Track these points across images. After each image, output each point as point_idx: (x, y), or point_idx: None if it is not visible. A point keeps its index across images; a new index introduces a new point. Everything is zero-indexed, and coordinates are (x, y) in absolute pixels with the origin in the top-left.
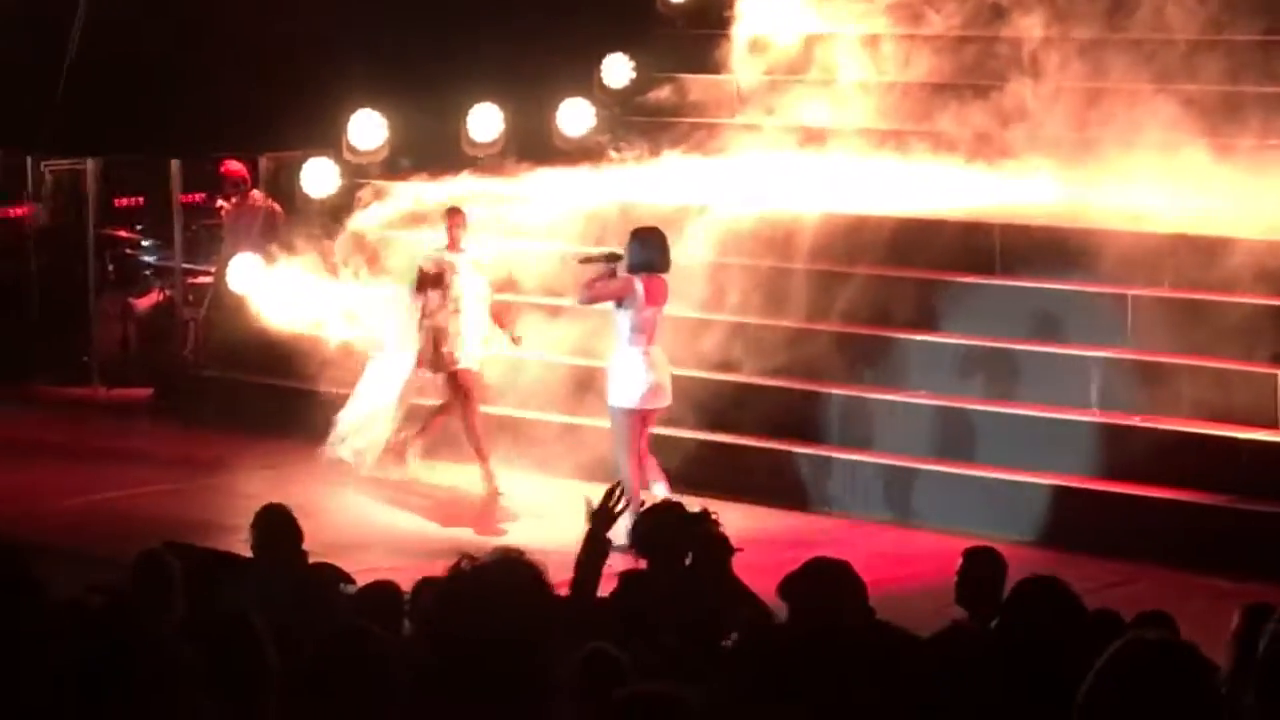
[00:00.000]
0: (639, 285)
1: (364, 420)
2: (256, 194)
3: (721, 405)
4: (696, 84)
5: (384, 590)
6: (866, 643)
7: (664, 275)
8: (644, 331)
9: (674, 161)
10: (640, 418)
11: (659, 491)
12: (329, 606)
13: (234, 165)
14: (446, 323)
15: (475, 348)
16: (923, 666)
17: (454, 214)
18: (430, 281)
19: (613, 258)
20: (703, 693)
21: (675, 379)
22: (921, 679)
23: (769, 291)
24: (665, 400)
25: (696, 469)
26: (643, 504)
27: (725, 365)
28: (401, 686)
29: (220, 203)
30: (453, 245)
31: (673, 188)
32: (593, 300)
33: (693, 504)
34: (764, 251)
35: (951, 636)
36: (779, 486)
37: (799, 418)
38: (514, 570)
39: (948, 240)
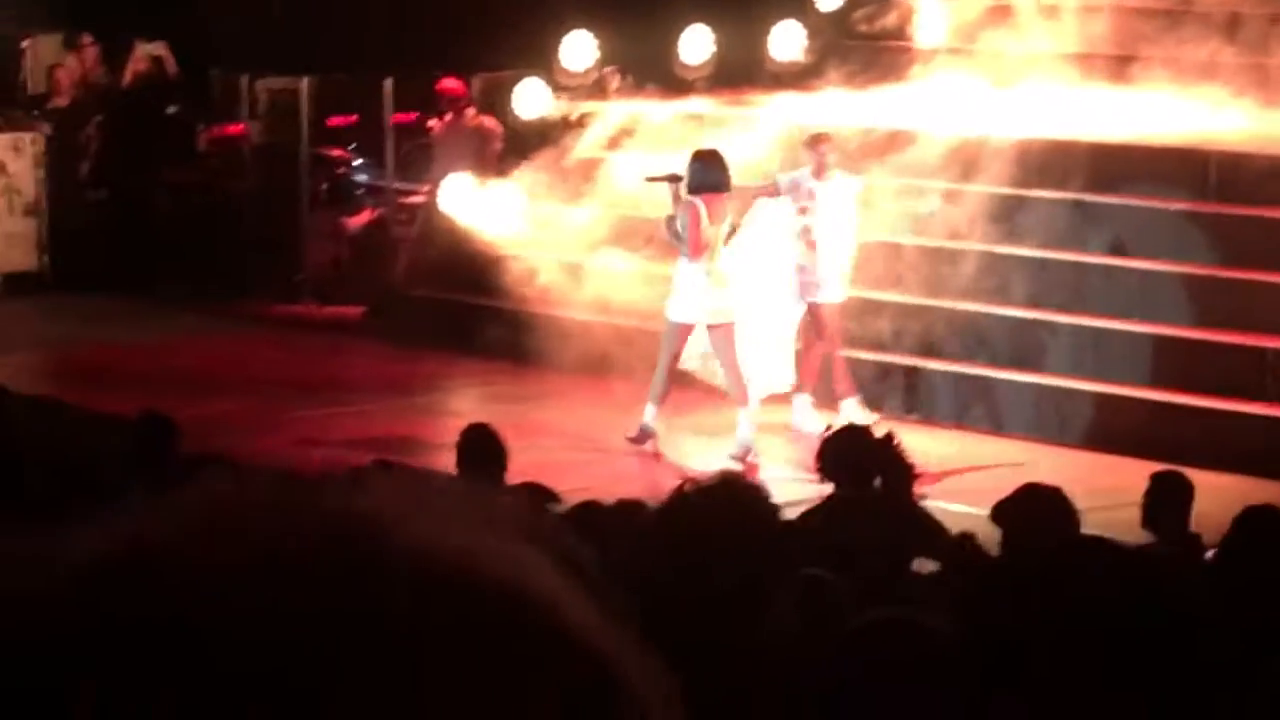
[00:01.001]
0: (701, 205)
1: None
2: (470, 113)
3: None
4: (908, 8)
5: (588, 509)
6: (1090, 566)
7: (725, 194)
8: (706, 248)
9: (895, 88)
10: (687, 330)
11: (650, 415)
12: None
13: (450, 82)
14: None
15: (835, 284)
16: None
17: (822, 139)
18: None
19: (675, 178)
20: (947, 621)
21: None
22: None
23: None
24: (725, 317)
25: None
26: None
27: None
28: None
29: (432, 121)
30: (820, 172)
31: (906, 113)
32: (698, 249)
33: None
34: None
35: (1165, 564)
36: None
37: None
38: (735, 492)
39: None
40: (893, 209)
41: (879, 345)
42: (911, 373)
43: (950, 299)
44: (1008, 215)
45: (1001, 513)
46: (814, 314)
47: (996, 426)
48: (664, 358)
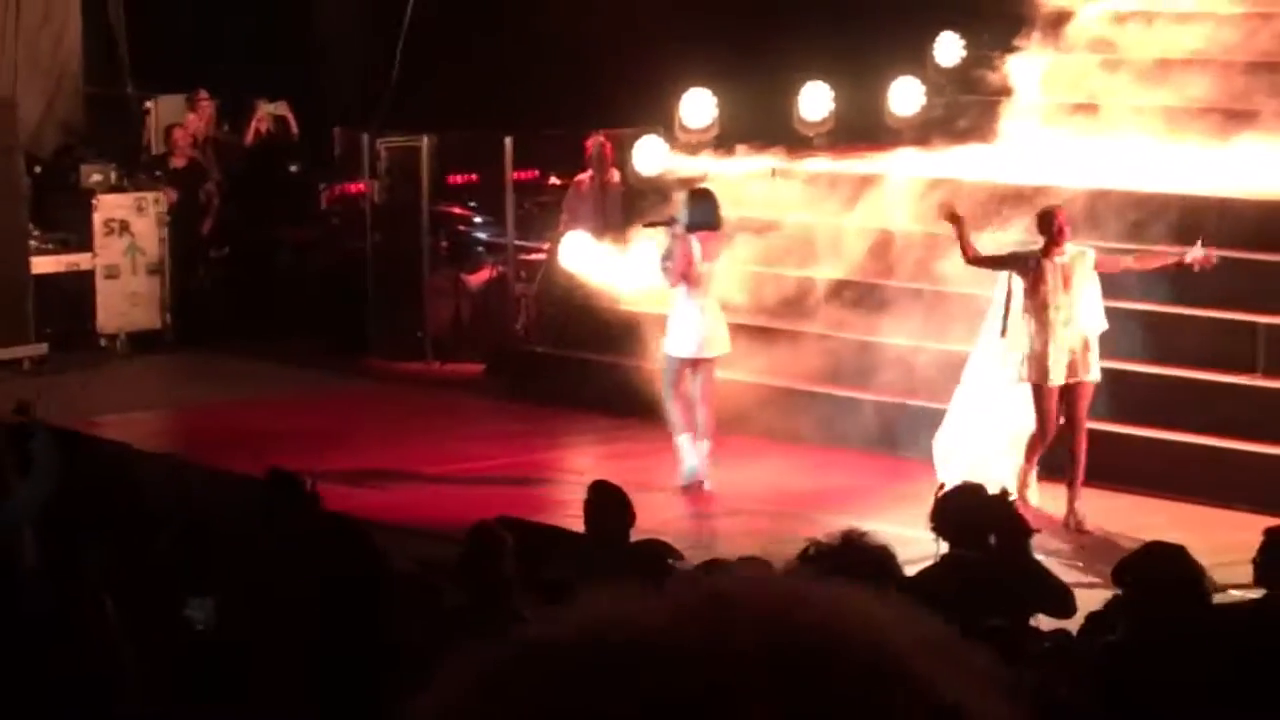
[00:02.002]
0: (695, 241)
1: (959, 438)
2: (615, 173)
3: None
4: (1027, 63)
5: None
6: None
7: (717, 231)
8: (699, 285)
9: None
10: (689, 365)
11: (684, 443)
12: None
13: (601, 138)
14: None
15: (1095, 363)
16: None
17: (1056, 214)
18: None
19: (672, 221)
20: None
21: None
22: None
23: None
24: (718, 350)
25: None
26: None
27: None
28: None
29: (580, 176)
30: (1058, 245)
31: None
32: (678, 279)
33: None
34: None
35: None
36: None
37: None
38: (860, 552)
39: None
40: None
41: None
42: None
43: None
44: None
45: (1124, 573)
46: (1072, 396)
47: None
48: (666, 392)
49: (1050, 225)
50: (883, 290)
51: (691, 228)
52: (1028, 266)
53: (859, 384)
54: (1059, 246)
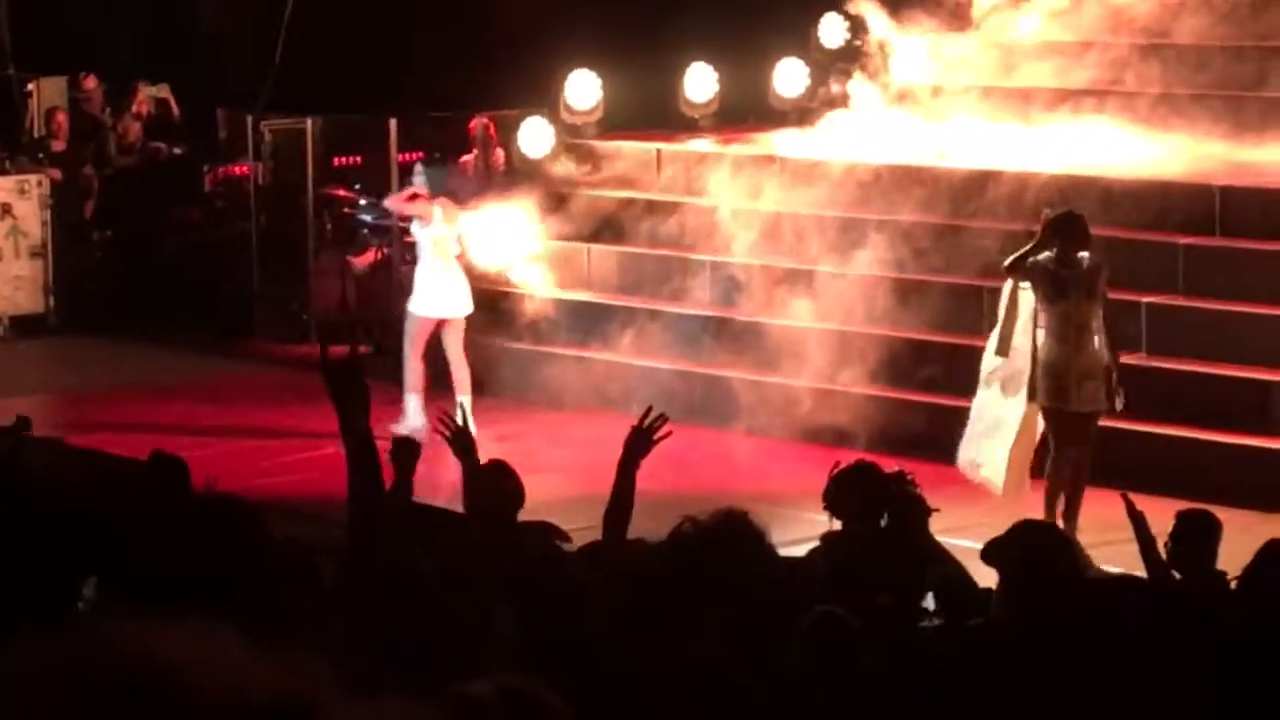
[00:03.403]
0: (437, 207)
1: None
2: (498, 151)
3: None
4: (911, 45)
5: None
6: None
7: (459, 201)
8: (440, 248)
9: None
10: (427, 323)
11: (413, 401)
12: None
13: (483, 119)
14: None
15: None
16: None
17: (1080, 218)
18: None
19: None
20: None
21: None
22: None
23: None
24: (461, 310)
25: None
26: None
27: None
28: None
29: (464, 157)
30: (1080, 252)
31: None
32: (400, 212)
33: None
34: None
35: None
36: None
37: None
38: (735, 530)
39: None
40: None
41: None
42: None
43: None
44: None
45: (992, 551)
46: (1087, 425)
47: None
48: (406, 350)
49: (1075, 230)
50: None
51: (435, 194)
52: (1047, 276)
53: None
54: (1081, 254)
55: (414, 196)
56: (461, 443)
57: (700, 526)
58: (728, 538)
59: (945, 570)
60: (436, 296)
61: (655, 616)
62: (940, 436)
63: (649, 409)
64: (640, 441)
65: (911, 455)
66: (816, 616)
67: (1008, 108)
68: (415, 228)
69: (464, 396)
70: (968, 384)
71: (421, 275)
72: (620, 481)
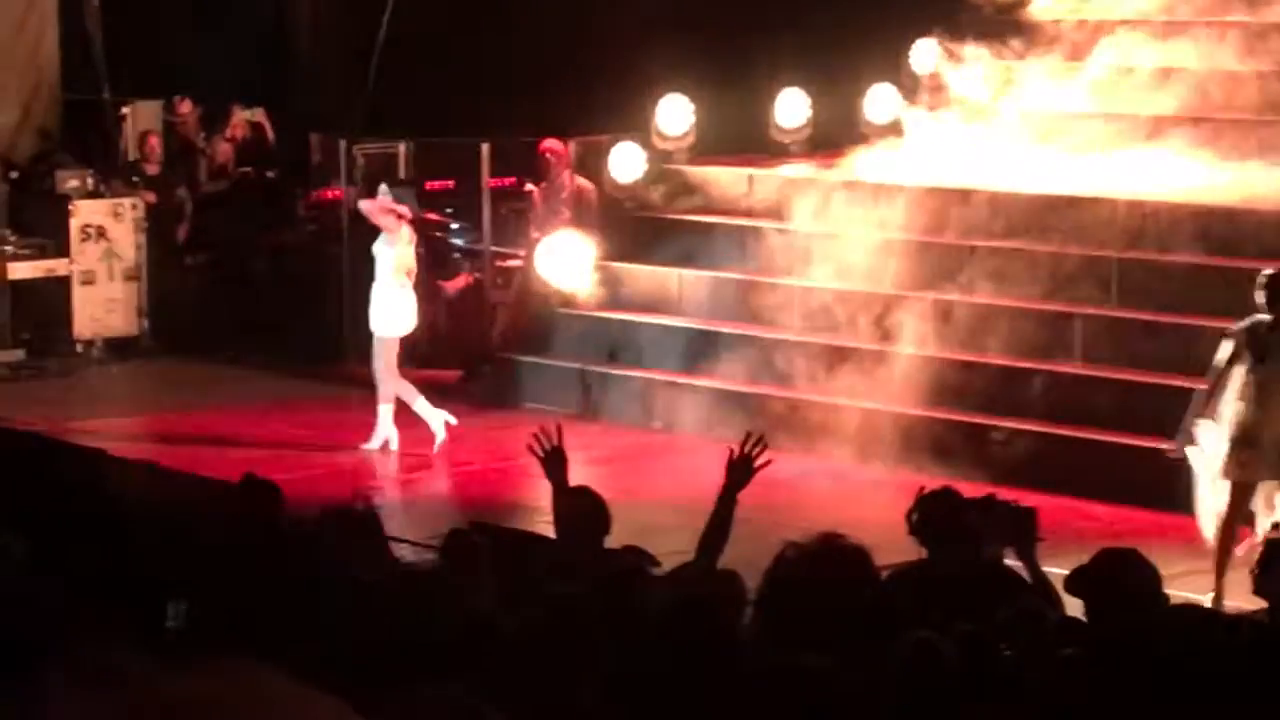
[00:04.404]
0: (407, 229)
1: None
2: (568, 175)
3: None
4: (1003, 71)
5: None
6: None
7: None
8: (402, 267)
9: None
10: (395, 343)
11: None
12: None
13: (550, 142)
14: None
15: None
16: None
17: None
18: None
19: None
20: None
21: None
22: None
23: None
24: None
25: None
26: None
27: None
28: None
29: (530, 186)
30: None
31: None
32: (371, 218)
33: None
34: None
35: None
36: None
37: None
38: (837, 553)
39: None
40: None
41: None
42: None
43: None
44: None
45: (1079, 580)
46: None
47: None
48: (386, 370)
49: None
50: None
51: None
52: (1257, 341)
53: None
54: None
55: (400, 216)
56: (554, 462)
57: (803, 550)
58: (830, 559)
59: (1025, 599)
60: (401, 315)
61: (767, 633)
62: (1043, 462)
63: (748, 435)
64: (741, 468)
65: (1012, 483)
66: (911, 642)
67: (1099, 133)
68: (380, 245)
69: (389, 405)
70: (1062, 409)
71: (383, 295)
72: (719, 507)
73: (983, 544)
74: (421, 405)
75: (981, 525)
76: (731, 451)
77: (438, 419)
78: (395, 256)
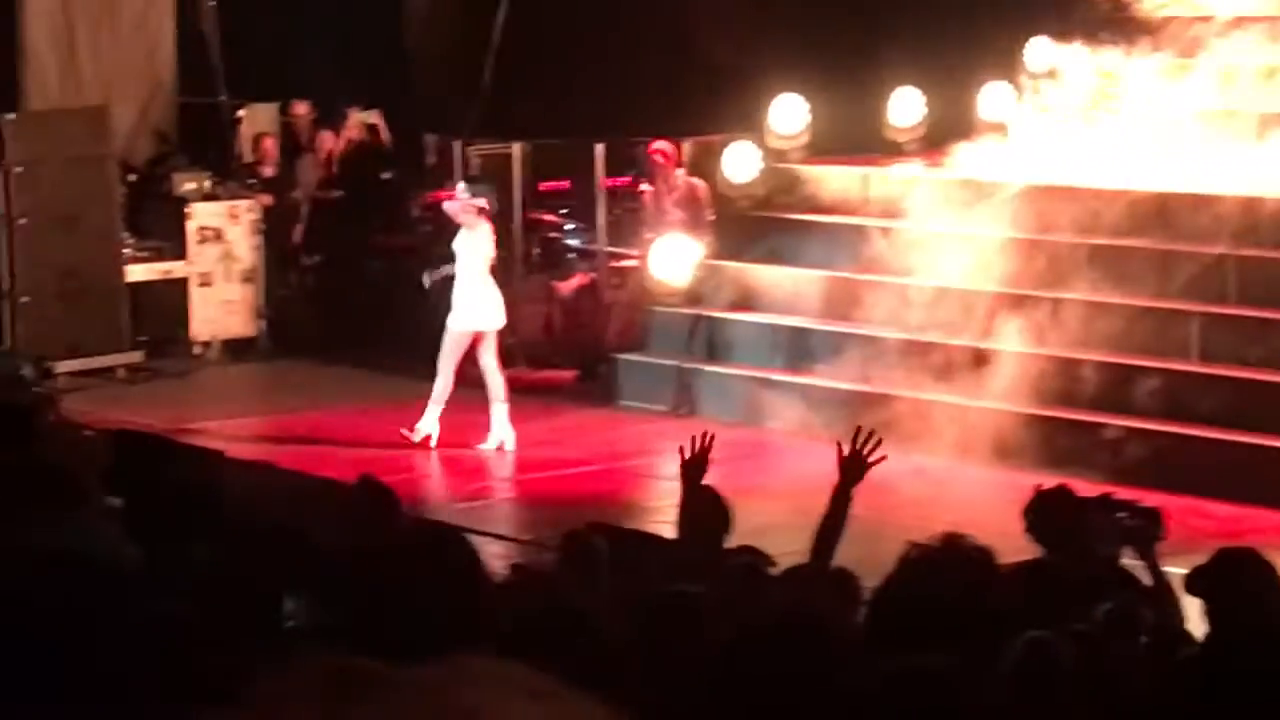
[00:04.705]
0: (487, 225)
1: None
2: (679, 176)
3: None
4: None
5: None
6: None
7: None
8: (484, 263)
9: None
10: (466, 338)
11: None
12: (749, 589)
13: (659, 145)
14: None
15: None
16: None
17: None
18: None
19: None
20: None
21: None
22: None
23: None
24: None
25: None
26: None
27: None
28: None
29: (644, 186)
30: None
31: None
32: (455, 216)
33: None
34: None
35: None
36: None
37: None
38: (960, 553)
39: None
40: None
41: None
42: None
43: None
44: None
45: (1198, 580)
46: None
47: None
48: (449, 363)
49: None
50: None
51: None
52: None
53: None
54: None
55: (481, 211)
56: (694, 470)
57: (927, 551)
58: (953, 560)
59: (1122, 598)
60: (482, 309)
61: (886, 637)
62: (1159, 461)
63: (858, 430)
64: (853, 466)
65: (1126, 483)
66: (1026, 642)
67: (1211, 130)
68: (462, 241)
69: (503, 404)
70: (1177, 408)
71: (466, 289)
72: (833, 506)
73: (1100, 543)
74: (435, 405)
75: (1101, 525)
76: (842, 447)
77: (431, 422)
78: (475, 250)
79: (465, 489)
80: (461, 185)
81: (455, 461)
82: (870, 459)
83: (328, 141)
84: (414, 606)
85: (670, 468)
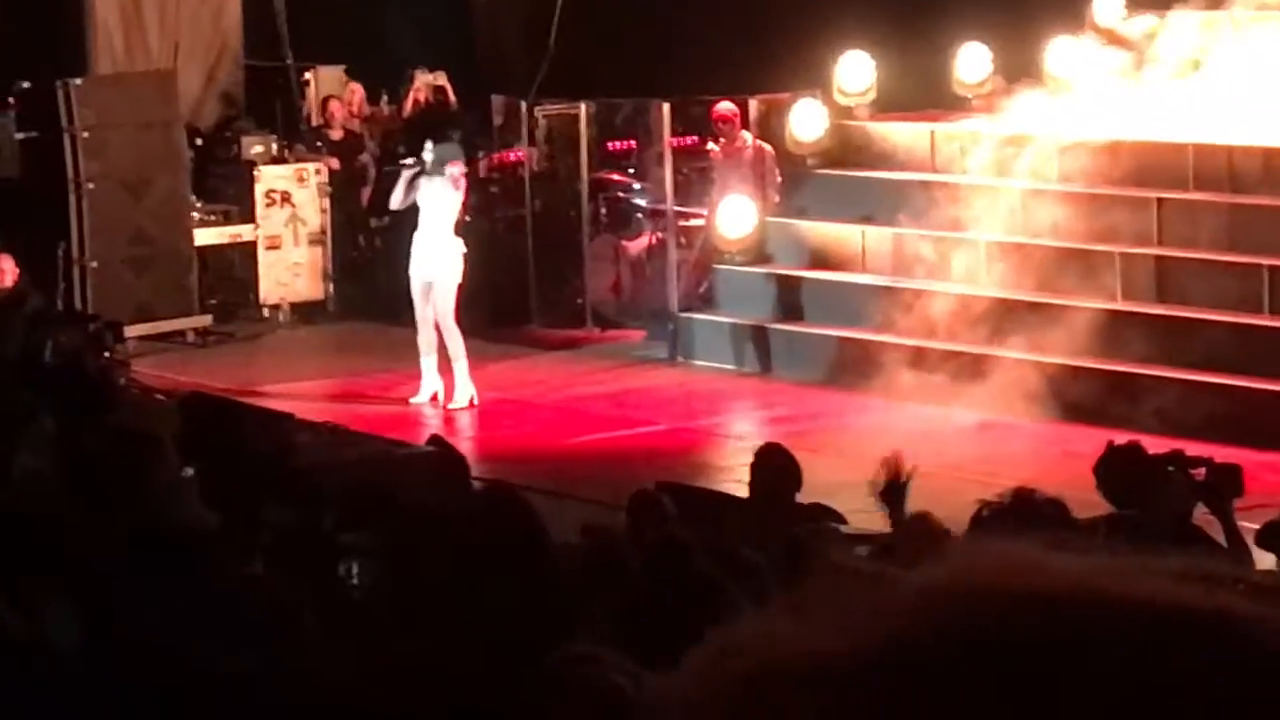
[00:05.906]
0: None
1: None
2: (745, 136)
3: None
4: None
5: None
6: None
7: None
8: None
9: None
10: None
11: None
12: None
13: (723, 107)
14: None
15: None
16: None
17: None
18: None
19: (419, 162)
20: None
21: None
22: None
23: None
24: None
25: None
26: None
27: None
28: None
29: (711, 146)
30: None
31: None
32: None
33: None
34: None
35: None
36: None
37: None
38: (1032, 508)
39: None
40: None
41: None
42: None
43: None
44: None
45: (1273, 534)
46: None
47: None
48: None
49: None
50: None
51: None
52: None
53: None
54: None
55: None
56: (895, 495)
57: (999, 508)
58: (1026, 515)
59: (1198, 552)
60: (431, 262)
61: None
62: (1232, 415)
63: (884, 461)
64: (894, 491)
65: (1200, 438)
66: None
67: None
68: (426, 192)
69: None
70: (1251, 361)
71: (423, 241)
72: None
73: (1173, 500)
74: (458, 364)
75: (1175, 480)
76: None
77: (430, 380)
78: (439, 202)
79: (536, 450)
80: (428, 145)
81: (527, 422)
82: (904, 480)
83: (339, 110)
84: (485, 566)
85: (738, 426)
